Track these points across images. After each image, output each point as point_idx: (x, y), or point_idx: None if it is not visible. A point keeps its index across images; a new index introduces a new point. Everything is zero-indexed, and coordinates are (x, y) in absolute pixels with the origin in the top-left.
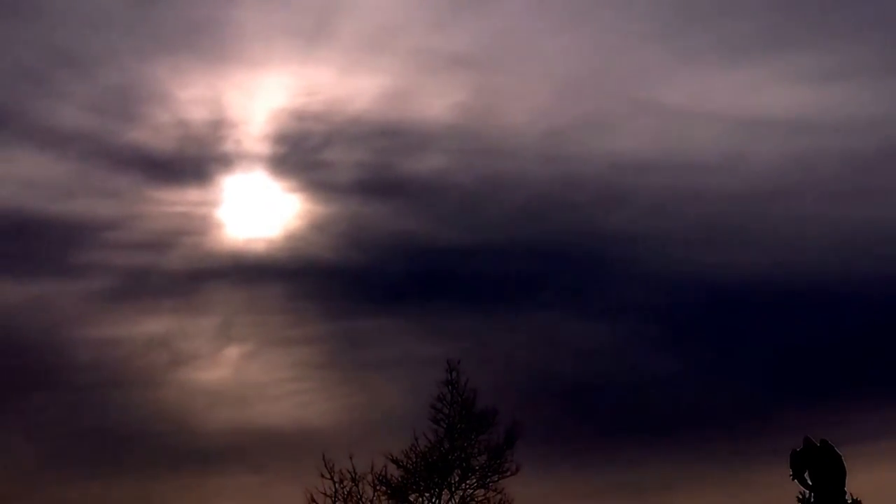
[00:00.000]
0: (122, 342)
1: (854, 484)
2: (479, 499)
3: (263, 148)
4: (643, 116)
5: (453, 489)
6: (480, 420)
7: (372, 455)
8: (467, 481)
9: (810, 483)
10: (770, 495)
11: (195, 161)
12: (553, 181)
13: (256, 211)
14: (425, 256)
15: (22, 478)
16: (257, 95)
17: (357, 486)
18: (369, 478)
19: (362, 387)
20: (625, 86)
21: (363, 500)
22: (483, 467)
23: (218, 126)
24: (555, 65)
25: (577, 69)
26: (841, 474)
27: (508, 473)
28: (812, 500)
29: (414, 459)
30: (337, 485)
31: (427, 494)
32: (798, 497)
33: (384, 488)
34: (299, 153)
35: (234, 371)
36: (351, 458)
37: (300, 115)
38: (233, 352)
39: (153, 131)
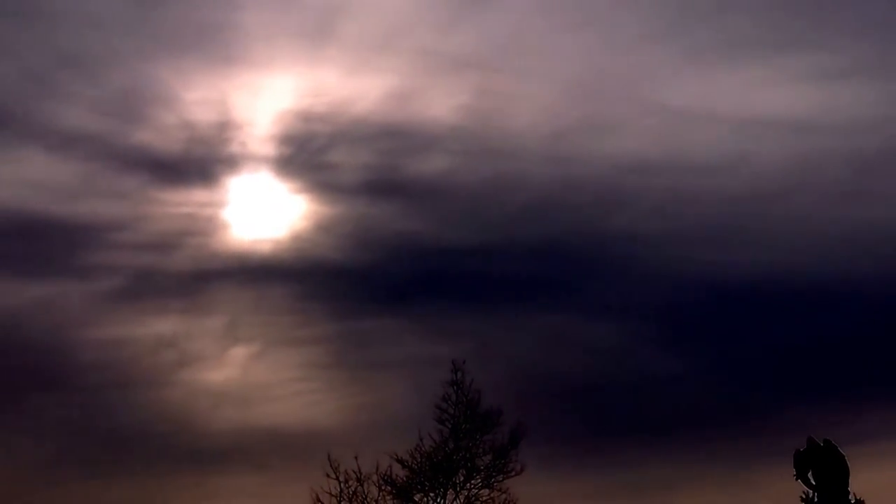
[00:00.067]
0: (129, 342)
1: (857, 483)
2: (484, 499)
3: (269, 149)
4: (647, 117)
5: (458, 489)
6: (485, 420)
7: (377, 455)
8: (472, 481)
9: (814, 483)
10: (773, 495)
11: (201, 162)
12: (557, 182)
13: (262, 212)
14: (430, 257)
15: (28, 477)
16: (263, 97)
17: (362, 485)
18: (374, 478)
19: (368, 387)
20: (628, 87)
21: (368, 499)
22: (488, 467)
23: (224, 127)
24: (559, 66)
25: (580, 71)
26: (844, 474)
27: (513, 473)
28: (815, 499)
29: (419, 459)
30: (342, 484)
31: (432, 494)
32: (801, 497)
33: (389, 488)
34: (305, 154)
35: (240, 371)
36: (356, 457)
37: (305, 117)
38: (239, 352)
39: (159, 133)
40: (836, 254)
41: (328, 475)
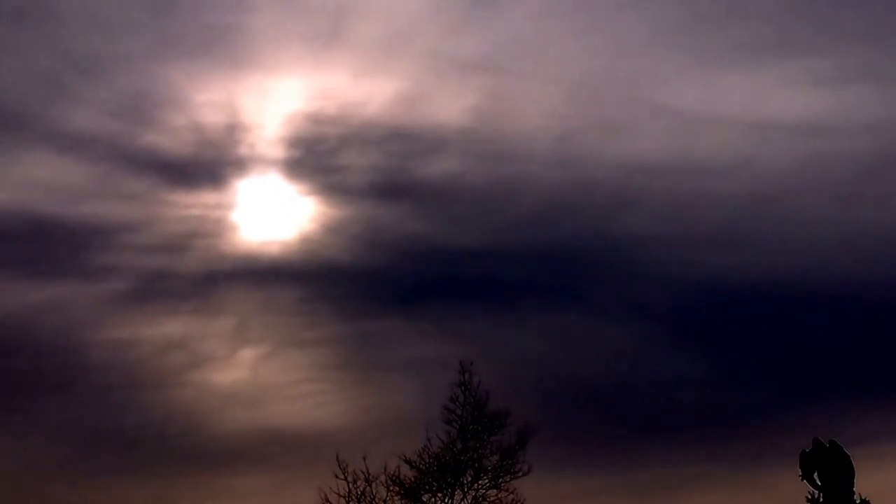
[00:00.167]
0: (139, 344)
1: (863, 484)
2: (492, 499)
3: (278, 151)
4: (654, 120)
5: (466, 489)
6: (493, 421)
7: (385, 455)
8: (480, 482)
9: (819, 483)
10: (779, 495)
11: (211, 164)
12: (565, 184)
13: (271, 214)
14: (438, 259)
15: (38, 477)
16: (272, 99)
17: (370, 486)
18: (383, 478)
19: (376, 388)
20: (636, 90)
21: (377, 500)
22: (495, 468)
23: (233, 130)
24: (567, 69)
25: (588, 73)
26: (850, 475)
27: (520, 474)
28: (821, 500)
29: (427, 460)
30: (351, 485)
31: (440, 495)
32: (807, 497)
33: (397, 489)
34: (313, 157)
35: (249, 372)
36: (364, 458)
37: (314, 119)
38: (248, 353)
39: (169, 135)
40: (842, 256)
41: (337, 476)
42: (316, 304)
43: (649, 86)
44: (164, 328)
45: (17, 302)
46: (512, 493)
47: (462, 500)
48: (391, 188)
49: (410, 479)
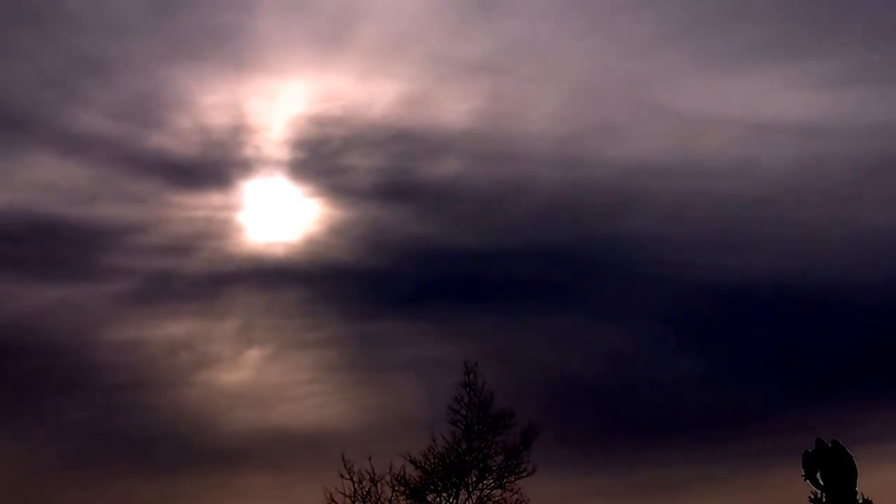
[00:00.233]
0: (146, 344)
1: (865, 484)
2: (496, 499)
3: (283, 153)
4: (657, 122)
5: (471, 489)
6: (497, 421)
7: (390, 456)
8: (484, 481)
9: (822, 483)
10: (782, 495)
11: (216, 166)
12: (568, 185)
13: (276, 215)
14: (442, 260)
15: (46, 477)
16: (277, 101)
17: (376, 486)
18: (388, 478)
19: (381, 388)
20: (638, 92)
21: (382, 500)
22: (500, 468)
23: (238, 132)
24: (570, 71)
25: (591, 75)
26: (852, 474)
27: (525, 474)
28: (824, 500)
29: (432, 460)
30: (356, 485)
31: (445, 494)
32: (810, 497)
33: (402, 488)
34: (318, 158)
35: (255, 373)
36: (370, 458)
37: (319, 121)
38: (254, 354)
39: (175, 137)
40: (843, 257)
41: (342, 476)
42: (321, 305)
43: (651, 87)
44: (170, 329)
45: (24, 303)
46: (516, 493)
47: (467, 499)
48: (395, 190)
49: (415, 479)
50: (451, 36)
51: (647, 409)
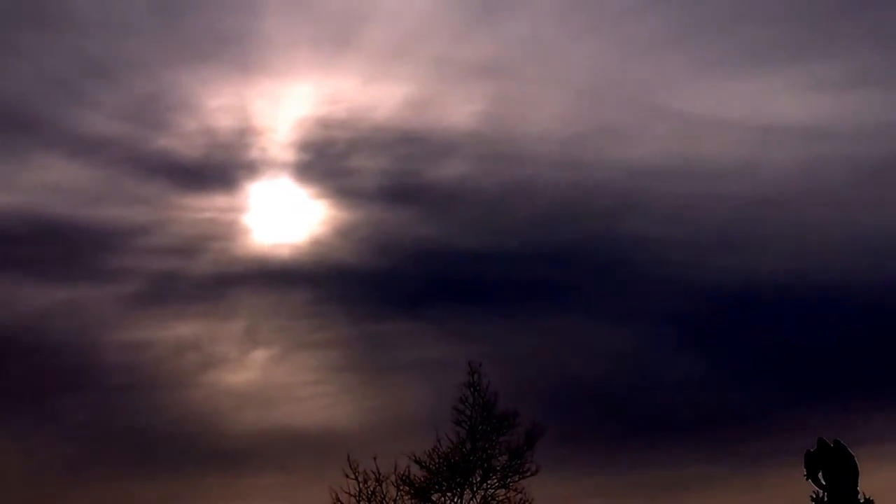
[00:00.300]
0: (153, 345)
1: (866, 483)
2: (500, 498)
3: (289, 155)
4: (660, 124)
5: (475, 489)
6: (501, 421)
7: (395, 456)
8: (488, 481)
9: (824, 483)
10: (785, 495)
11: (222, 168)
12: (571, 187)
13: (282, 217)
14: (447, 261)
15: (53, 477)
16: (283, 104)
17: (381, 486)
18: (393, 478)
19: (386, 389)
20: (642, 94)
21: (387, 499)
22: (504, 468)
23: (244, 134)
24: (574, 73)
25: (595, 77)
26: (854, 474)
27: (529, 474)
28: (825, 499)
29: (436, 460)
30: (361, 485)
31: (449, 494)
32: (812, 496)
33: (407, 488)
34: (324, 160)
35: (260, 374)
36: (375, 458)
37: (325, 123)
38: (259, 355)
39: (181, 139)
40: (845, 258)
41: (347, 475)
42: (326, 307)
43: (654, 90)
44: (177, 330)
45: (31, 304)
46: (520, 492)
47: (471, 499)
48: (400, 191)
49: (420, 479)
50: (456, 39)
51: (649, 409)
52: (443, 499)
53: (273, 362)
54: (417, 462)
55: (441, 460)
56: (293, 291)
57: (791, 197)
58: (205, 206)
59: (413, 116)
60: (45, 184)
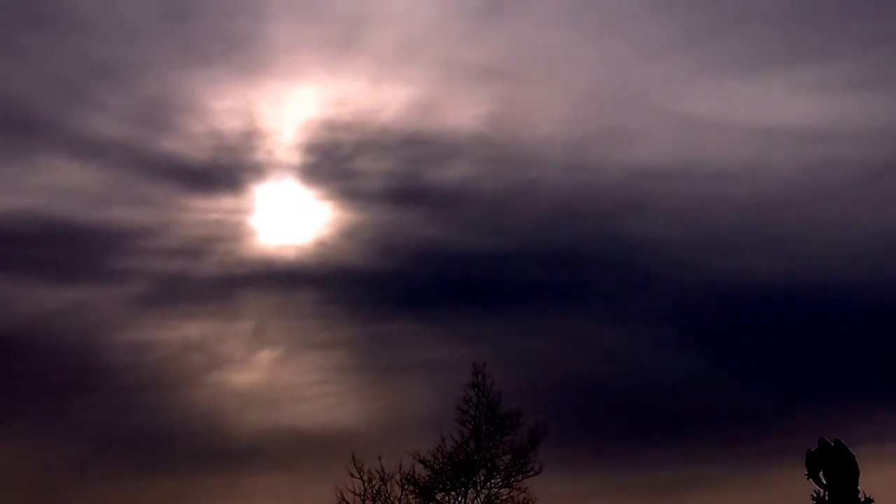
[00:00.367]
0: (159, 346)
1: (867, 483)
2: (504, 497)
3: (295, 157)
4: (663, 126)
5: (479, 488)
6: (505, 421)
7: (400, 455)
8: (492, 480)
9: (825, 482)
10: (785, 494)
11: (228, 170)
12: (576, 189)
13: (288, 218)
14: (452, 263)
15: (61, 476)
16: (289, 106)
17: (385, 485)
18: (397, 477)
19: (390, 389)
20: (645, 97)
21: (391, 498)
22: (507, 467)
23: (250, 136)
24: (578, 76)
25: (599, 81)
26: (854, 473)
27: (532, 473)
28: (826, 498)
29: (441, 459)
30: (366, 484)
31: (453, 493)
32: (813, 495)
33: (412, 487)
34: (329, 162)
35: (266, 374)
36: (379, 458)
37: (330, 126)
38: (265, 355)
39: (188, 141)
40: (848, 260)
41: (352, 475)
42: (331, 308)
43: (658, 93)
44: (183, 331)
45: (39, 305)
46: (523, 491)
47: (475, 498)
48: (405, 193)
49: (425, 478)
50: (461, 42)
51: (650, 408)
52: (447, 498)
53: (279, 362)
54: (422, 461)
55: (445, 460)
56: (299, 292)
57: (792, 199)
58: (211, 208)
59: (418, 119)
60: (53, 185)
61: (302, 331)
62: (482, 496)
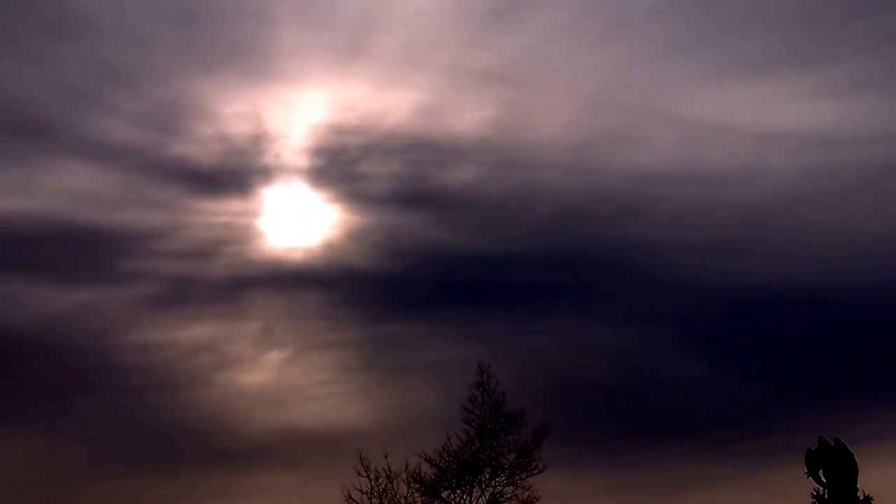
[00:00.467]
0: (168, 346)
1: (866, 481)
2: (508, 496)
3: (302, 160)
4: (665, 130)
5: (483, 486)
6: (509, 420)
7: (406, 454)
8: (497, 479)
9: (824, 480)
10: (785, 493)
11: (237, 173)
12: (579, 192)
13: (296, 221)
14: (457, 265)
15: (71, 476)
16: (296, 110)
17: (392, 483)
18: (404, 476)
19: (397, 389)
20: (647, 101)
21: (398, 497)
22: (512, 465)
23: (259, 140)
24: (581, 81)
25: (602, 85)
26: (853, 472)
27: (536, 471)
28: (826, 497)
29: (446, 458)
30: (373, 482)
31: (458, 491)
32: (812, 494)
33: (418, 486)
34: (337, 165)
35: (274, 374)
36: (386, 456)
37: (338, 129)
38: (273, 356)
39: (197, 145)
40: (849, 262)
41: (359, 473)
42: (338, 309)
43: (660, 97)
44: (193, 331)
45: (50, 306)
46: (528, 489)
47: (480, 496)
48: (411, 196)
49: (430, 477)
50: (467, 47)
51: (652, 408)
52: (452, 496)
53: (287, 363)
54: (428, 460)
55: (451, 458)
56: (306, 294)
57: (793, 202)
58: (220, 211)
59: (424, 123)
60: (64, 189)
61: (309, 331)
62: (487, 494)
